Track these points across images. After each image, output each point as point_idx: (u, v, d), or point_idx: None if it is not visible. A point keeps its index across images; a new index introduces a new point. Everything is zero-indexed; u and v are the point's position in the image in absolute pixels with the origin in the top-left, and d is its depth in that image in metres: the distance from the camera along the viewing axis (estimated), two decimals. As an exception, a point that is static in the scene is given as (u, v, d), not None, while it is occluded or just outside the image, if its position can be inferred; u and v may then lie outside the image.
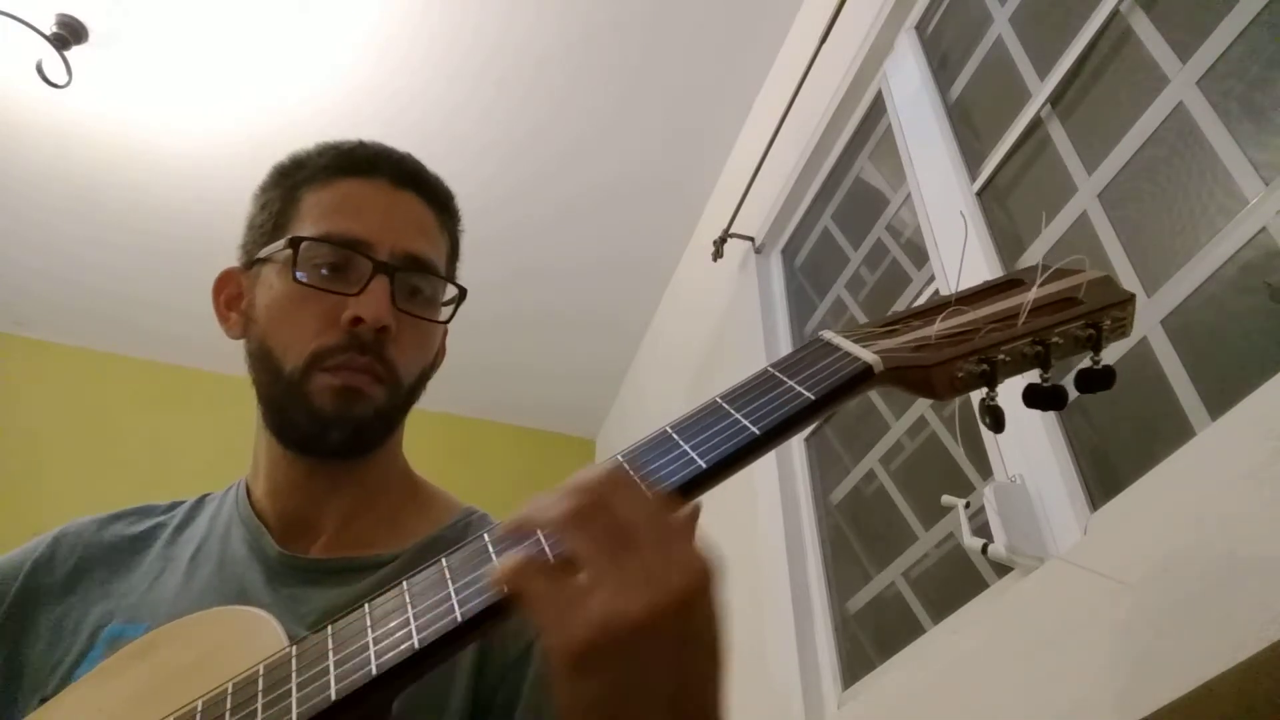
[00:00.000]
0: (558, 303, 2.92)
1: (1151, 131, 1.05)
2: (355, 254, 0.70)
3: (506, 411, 3.36)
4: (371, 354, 0.68)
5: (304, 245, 0.70)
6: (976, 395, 0.51)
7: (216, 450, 2.31)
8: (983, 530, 1.07)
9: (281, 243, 0.71)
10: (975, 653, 1.02)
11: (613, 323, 3.00)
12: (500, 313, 2.87)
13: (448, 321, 0.77)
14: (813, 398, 0.46)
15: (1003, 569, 1.09)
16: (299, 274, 0.69)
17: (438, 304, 0.76)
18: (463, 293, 0.77)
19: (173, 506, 0.79)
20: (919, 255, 1.54)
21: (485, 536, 0.46)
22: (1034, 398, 0.51)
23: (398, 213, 0.74)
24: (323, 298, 0.69)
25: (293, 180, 0.76)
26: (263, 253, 0.73)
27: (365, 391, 0.68)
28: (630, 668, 0.38)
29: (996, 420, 0.49)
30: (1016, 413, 1.12)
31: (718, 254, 2.23)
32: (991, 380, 0.49)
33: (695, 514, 0.42)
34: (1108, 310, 0.51)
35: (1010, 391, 0.51)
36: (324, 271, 0.70)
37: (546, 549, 0.42)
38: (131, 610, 0.68)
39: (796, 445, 1.83)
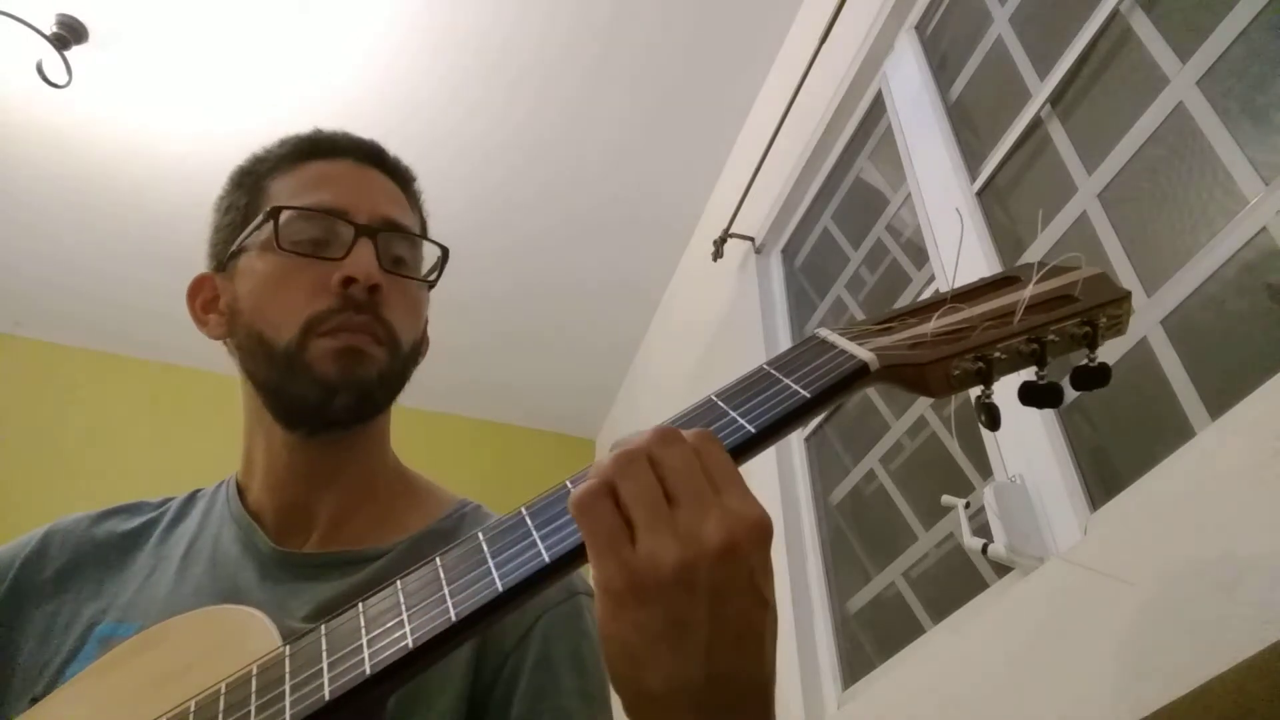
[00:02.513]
0: (559, 304, 2.92)
1: (1151, 131, 1.05)
2: (336, 220, 0.69)
3: (509, 411, 3.37)
4: (368, 313, 0.67)
5: (284, 216, 0.69)
6: (974, 393, 0.51)
7: (216, 450, 2.30)
8: (983, 530, 1.07)
9: (260, 218, 0.70)
10: (975, 653, 1.02)
11: (613, 323, 3.00)
12: (502, 315, 2.87)
13: (434, 283, 0.78)
14: (808, 395, 0.46)
15: (1003, 569, 1.09)
16: (282, 245, 0.68)
17: (420, 272, 0.76)
18: (445, 252, 0.77)
19: (164, 503, 0.79)
20: (919, 255, 1.53)
21: (480, 535, 0.46)
22: (1030, 395, 0.50)
23: (368, 184, 0.74)
24: (309, 267, 0.68)
25: (255, 174, 0.76)
26: (239, 240, 0.72)
27: (367, 352, 0.67)
28: (660, 616, 0.39)
29: (992, 418, 0.49)
30: (1016, 413, 1.12)
31: (718, 254, 2.23)
32: (987, 378, 0.49)
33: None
34: (1103, 307, 0.50)
35: (1008, 390, 0.51)
36: (304, 250, 0.69)
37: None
38: (123, 610, 0.67)
39: (796, 445, 1.83)
